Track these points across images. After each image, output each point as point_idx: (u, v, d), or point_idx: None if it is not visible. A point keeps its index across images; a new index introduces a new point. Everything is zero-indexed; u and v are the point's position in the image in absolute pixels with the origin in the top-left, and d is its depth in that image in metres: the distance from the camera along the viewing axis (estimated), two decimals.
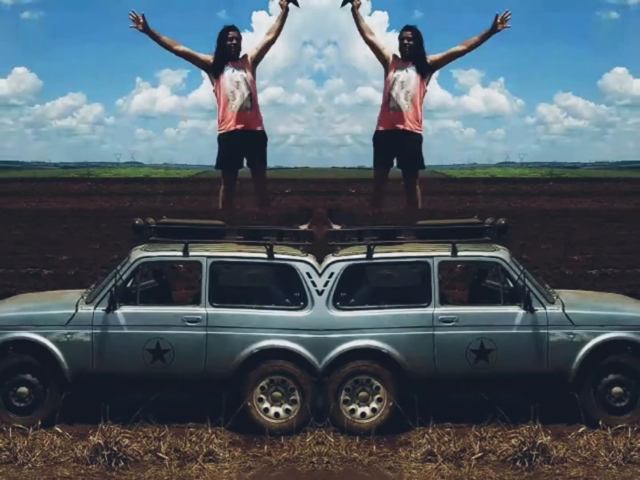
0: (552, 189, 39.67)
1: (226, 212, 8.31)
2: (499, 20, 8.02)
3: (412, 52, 8.10)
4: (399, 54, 8.21)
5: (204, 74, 8.29)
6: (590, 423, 6.66)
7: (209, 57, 8.16)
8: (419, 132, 8.29)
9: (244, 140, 8.16)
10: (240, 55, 8.16)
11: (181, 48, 8.14)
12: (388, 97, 8.16)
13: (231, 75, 8.07)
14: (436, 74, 8.36)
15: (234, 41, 8.07)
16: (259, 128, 8.26)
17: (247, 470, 6.01)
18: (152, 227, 7.21)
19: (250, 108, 8.10)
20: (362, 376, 6.74)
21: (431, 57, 8.22)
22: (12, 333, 6.78)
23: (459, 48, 8.25)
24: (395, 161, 8.51)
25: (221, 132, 8.22)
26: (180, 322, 6.75)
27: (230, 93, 8.08)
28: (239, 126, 8.13)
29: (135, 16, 7.92)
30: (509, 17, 7.98)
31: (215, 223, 7.51)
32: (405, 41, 8.10)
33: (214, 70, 8.13)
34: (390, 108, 8.17)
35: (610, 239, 19.31)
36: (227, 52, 8.06)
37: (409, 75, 8.10)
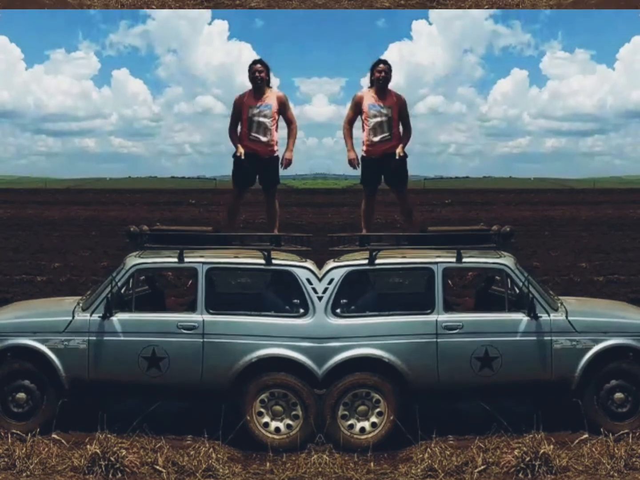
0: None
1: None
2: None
3: (385, 84, 7.96)
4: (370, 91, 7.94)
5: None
6: (592, 429, 6.59)
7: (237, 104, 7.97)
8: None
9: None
10: (271, 88, 7.97)
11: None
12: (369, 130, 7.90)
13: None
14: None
15: (259, 74, 7.94)
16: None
17: None
18: (146, 234, 7.11)
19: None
20: (361, 390, 6.59)
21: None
22: (10, 340, 6.73)
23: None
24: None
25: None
26: (175, 330, 6.65)
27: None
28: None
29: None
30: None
31: (208, 230, 7.42)
32: (383, 74, 7.93)
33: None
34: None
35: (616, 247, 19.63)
36: (253, 84, 7.94)
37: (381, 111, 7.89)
